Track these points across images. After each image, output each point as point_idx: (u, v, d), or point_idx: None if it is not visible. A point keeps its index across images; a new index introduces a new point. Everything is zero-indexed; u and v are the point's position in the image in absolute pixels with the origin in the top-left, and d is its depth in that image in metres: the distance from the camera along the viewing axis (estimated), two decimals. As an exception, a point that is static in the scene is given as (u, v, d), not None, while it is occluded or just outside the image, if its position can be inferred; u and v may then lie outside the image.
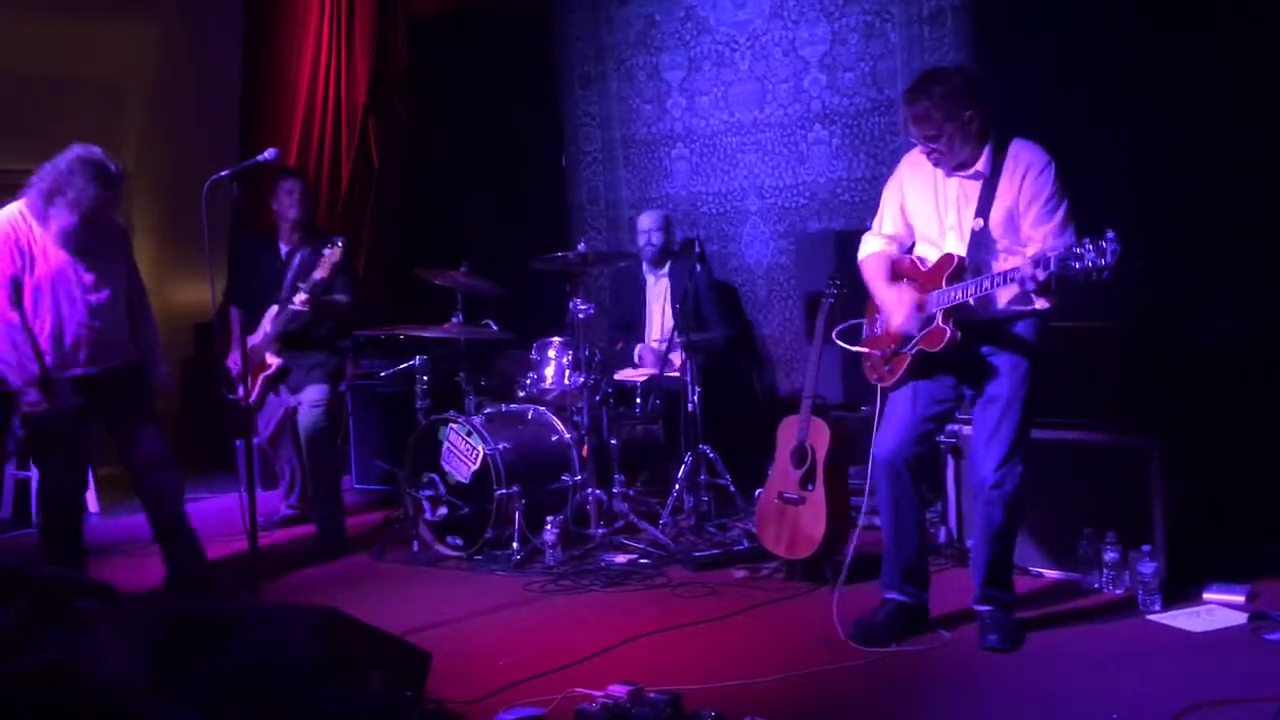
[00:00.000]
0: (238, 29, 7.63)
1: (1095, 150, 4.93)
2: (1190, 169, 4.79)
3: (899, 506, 3.79)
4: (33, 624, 2.30)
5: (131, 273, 4.65)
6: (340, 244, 5.12)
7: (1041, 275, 3.34)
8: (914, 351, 3.71)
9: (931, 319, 3.67)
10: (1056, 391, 4.21)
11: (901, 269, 3.86)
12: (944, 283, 3.65)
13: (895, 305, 3.75)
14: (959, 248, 3.68)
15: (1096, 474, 4.24)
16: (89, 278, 4.42)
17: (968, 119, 3.59)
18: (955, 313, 3.63)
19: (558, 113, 7.07)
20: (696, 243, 5.63)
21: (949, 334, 3.61)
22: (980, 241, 3.63)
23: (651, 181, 6.78)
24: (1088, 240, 3.23)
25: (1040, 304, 3.61)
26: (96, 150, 4.34)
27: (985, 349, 3.70)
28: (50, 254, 4.35)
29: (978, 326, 3.67)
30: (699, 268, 5.64)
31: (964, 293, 3.59)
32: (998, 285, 3.53)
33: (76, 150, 4.32)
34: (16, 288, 4.31)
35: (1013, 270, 3.47)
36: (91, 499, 6.55)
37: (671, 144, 6.68)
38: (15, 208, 4.37)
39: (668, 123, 6.68)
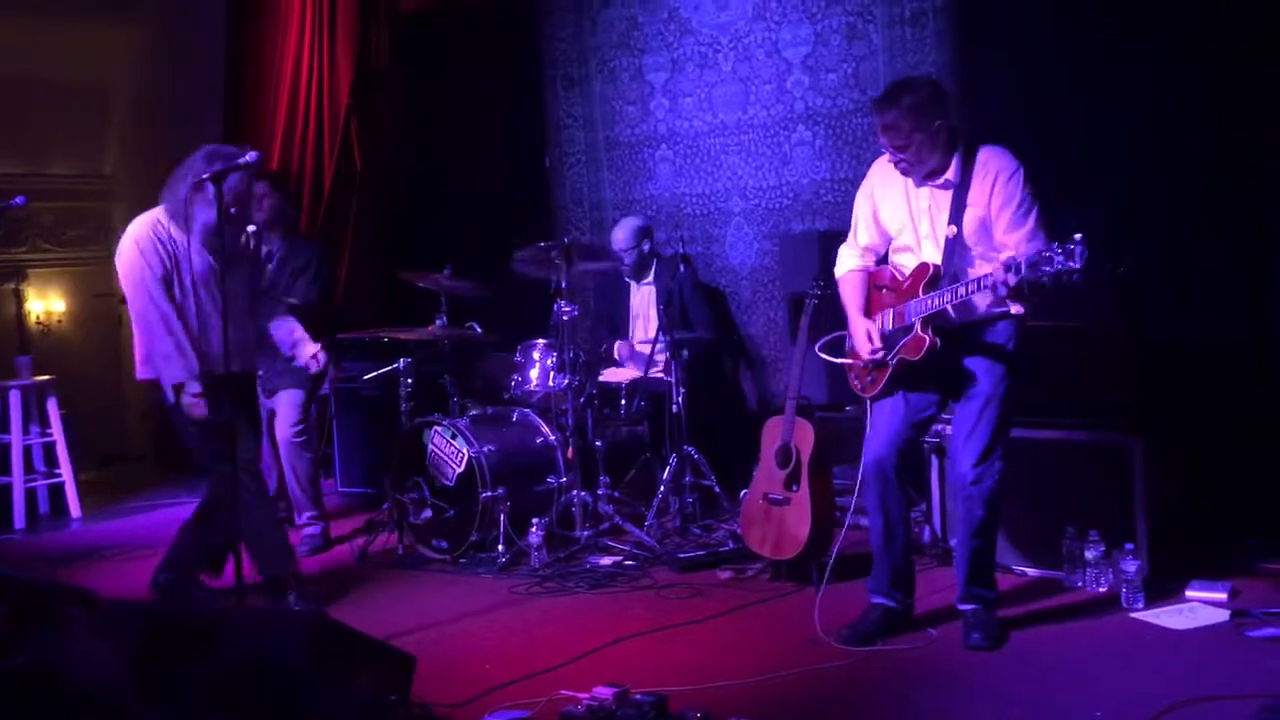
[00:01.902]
0: (220, 32, 7.60)
1: (1077, 150, 4.96)
2: (1173, 167, 4.82)
3: (888, 511, 3.81)
4: (14, 628, 2.29)
5: (257, 277, 4.64)
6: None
7: (1012, 280, 3.37)
8: (895, 361, 3.74)
9: (910, 328, 3.69)
10: (1039, 390, 4.22)
11: (881, 280, 3.89)
12: (921, 291, 3.68)
13: (863, 338, 3.80)
14: (935, 256, 3.70)
15: (1079, 472, 4.26)
16: (228, 279, 4.38)
17: (936, 129, 3.62)
18: (934, 320, 3.66)
19: (541, 114, 7.06)
20: (680, 243, 5.64)
21: (928, 342, 3.64)
22: (955, 249, 3.66)
23: (635, 183, 6.78)
24: (1056, 244, 3.26)
25: (1016, 309, 3.64)
26: (228, 146, 4.30)
27: (965, 351, 3.73)
28: (193, 255, 4.29)
29: (957, 331, 3.70)
30: (682, 268, 5.64)
31: (940, 300, 3.62)
32: (972, 292, 3.56)
33: (207, 147, 4.29)
34: (168, 285, 4.26)
35: (985, 276, 3.49)
36: (73, 504, 6.53)
37: (655, 145, 6.68)
38: (153, 213, 4.31)
39: (651, 124, 6.67)
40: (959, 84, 5.44)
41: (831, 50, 6.02)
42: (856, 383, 3.93)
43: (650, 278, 6.07)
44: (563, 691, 3.34)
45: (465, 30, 7.33)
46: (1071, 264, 3.21)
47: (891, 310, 3.78)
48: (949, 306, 3.62)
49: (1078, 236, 3.21)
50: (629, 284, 6.15)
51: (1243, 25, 4.70)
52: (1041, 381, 4.21)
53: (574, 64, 6.93)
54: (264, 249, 5.53)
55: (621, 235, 6.02)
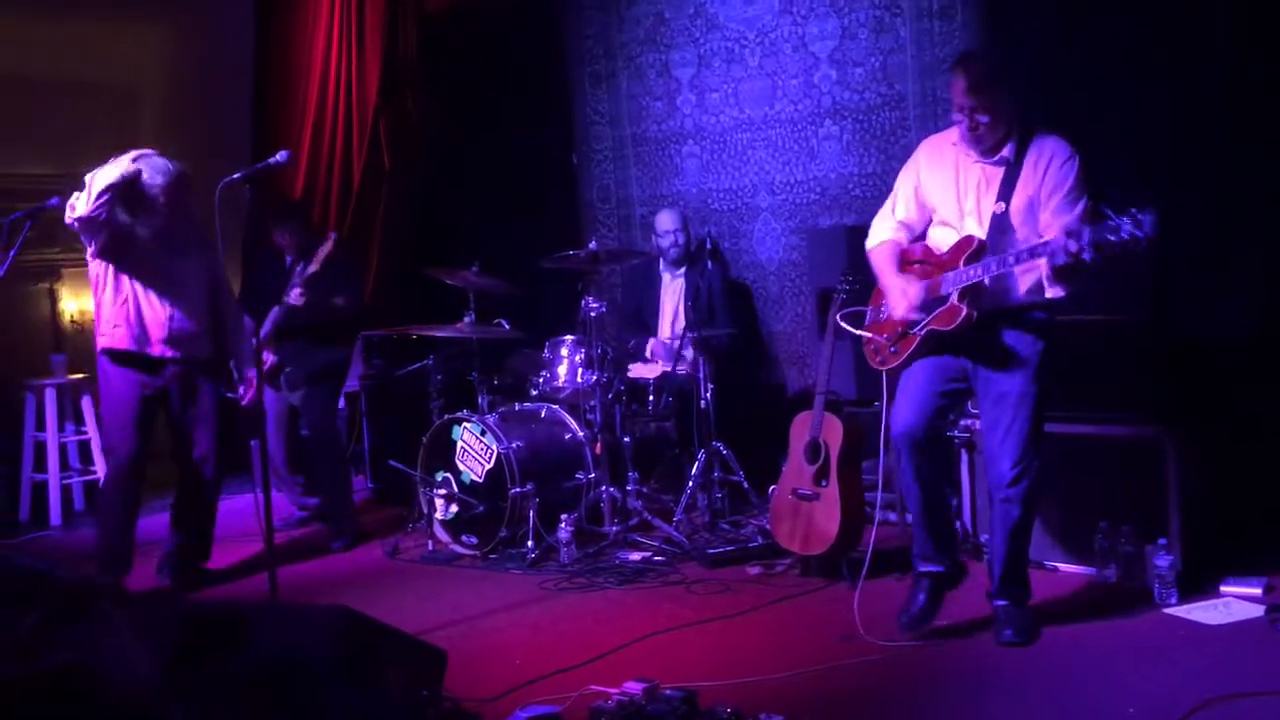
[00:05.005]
0: (249, 31, 7.65)
1: (1107, 144, 4.91)
2: (1206, 160, 4.77)
3: (923, 478, 3.74)
4: (50, 625, 2.31)
5: (216, 269, 4.81)
6: (333, 238, 5.23)
7: (1074, 246, 3.28)
8: (924, 332, 3.69)
9: (945, 299, 3.65)
10: (1072, 384, 4.20)
11: (912, 256, 3.84)
12: (962, 264, 3.63)
13: (900, 294, 3.73)
14: (978, 231, 3.66)
15: (1112, 467, 4.23)
16: (166, 265, 4.65)
17: (1016, 99, 3.61)
18: (971, 293, 3.61)
19: (568, 111, 7.07)
20: (708, 239, 5.64)
21: (964, 312, 3.58)
22: (1000, 226, 3.62)
23: (662, 179, 6.78)
24: (1123, 215, 3.20)
25: (1054, 292, 3.58)
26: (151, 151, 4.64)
27: (995, 343, 3.69)
28: (133, 239, 4.60)
29: (988, 317, 3.65)
30: (710, 264, 5.63)
31: (983, 270, 3.56)
32: (1023, 260, 3.49)
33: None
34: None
35: (1041, 245, 3.43)
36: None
37: (682, 141, 6.68)
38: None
39: (678, 120, 6.67)
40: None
41: (859, 44, 5.99)
42: (875, 356, 3.87)
43: (683, 270, 6.08)
44: (593, 686, 3.35)
45: (493, 27, 7.35)
46: (1140, 233, 3.14)
47: (924, 282, 3.72)
48: (986, 278, 3.56)
49: (1148, 208, 3.16)
50: (660, 276, 6.15)
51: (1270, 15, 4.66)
52: (1075, 376, 4.18)
53: (601, 60, 6.93)
54: (288, 259, 5.60)
55: (667, 218, 6.07)
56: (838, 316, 4.14)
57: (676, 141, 6.70)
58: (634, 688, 3.14)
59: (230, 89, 7.59)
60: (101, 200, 4.43)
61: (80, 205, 4.46)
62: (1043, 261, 3.46)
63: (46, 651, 2.25)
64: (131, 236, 4.62)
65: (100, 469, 6.56)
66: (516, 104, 7.26)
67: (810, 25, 6.15)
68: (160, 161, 4.59)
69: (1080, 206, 3.55)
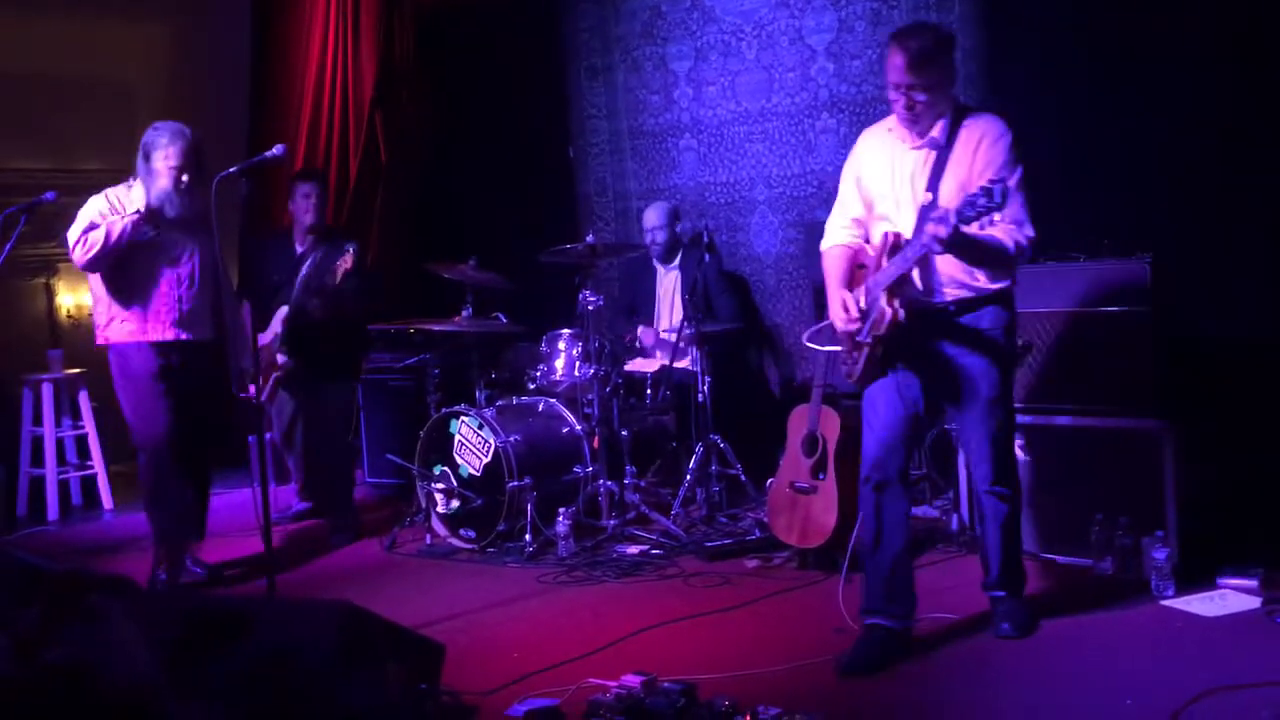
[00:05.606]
0: (245, 27, 7.64)
1: (1105, 138, 4.92)
2: (1204, 153, 4.77)
3: (884, 519, 3.57)
4: (51, 621, 2.32)
5: (215, 250, 4.75)
6: (352, 250, 5.18)
7: (943, 232, 3.18)
8: (869, 339, 3.54)
9: (877, 303, 3.52)
10: (1070, 377, 4.20)
11: (863, 258, 3.69)
12: (884, 262, 3.51)
13: (837, 308, 3.59)
14: (909, 221, 3.52)
15: (1109, 459, 4.23)
16: (171, 245, 4.63)
17: (952, 78, 3.53)
18: (898, 292, 3.45)
19: (565, 105, 7.07)
20: (705, 233, 5.63)
21: (890, 315, 3.43)
22: (926, 217, 3.43)
23: (659, 172, 6.77)
24: (980, 188, 3.09)
25: (983, 281, 3.49)
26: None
27: (953, 349, 3.57)
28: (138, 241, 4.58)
29: (935, 317, 3.53)
30: (707, 257, 5.63)
31: (896, 268, 3.43)
32: (917, 255, 3.36)
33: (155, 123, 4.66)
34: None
35: (922, 234, 3.30)
36: (105, 495, 6.61)
37: (679, 135, 6.67)
38: (123, 185, 4.66)
39: (675, 113, 6.67)
40: (984, 68, 5.42)
41: (856, 36, 5.99)
42: (842, 368, 3.75)
43: (676, 263, 6.08)
44: (591, 680, 3.36)
45: (489, 21, 7.34)
46: (993, 203, 3.03)
47: (864, 287, 3.59)
48: (904, 271, 3.42)
49: (998, 178, 3.09)
50: (655, 270, 6.15)
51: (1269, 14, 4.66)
52: (1074, 368, 4.18)
53: (598, 54, 6.93)
54: (298, 248, 5.58)
55: (653, 214, 6.06)
56: (804, 337, 4.08)
57: (673, 135, 6.69)
58: (632, 680, 3.15)
59: (227, 86, 7.58)
60: (97, 258, 4.51)
61: (78, 253, 4.53)
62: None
63: (46, 648, 2.25)
64: (136, 242, 4.58)
65: (99, 464, 6.56)
66: (513, 98, 7.25)
67: (807, 18, 6.15)
68: (174, 125, 4.59)
69: (1011, 186, 3.34)
